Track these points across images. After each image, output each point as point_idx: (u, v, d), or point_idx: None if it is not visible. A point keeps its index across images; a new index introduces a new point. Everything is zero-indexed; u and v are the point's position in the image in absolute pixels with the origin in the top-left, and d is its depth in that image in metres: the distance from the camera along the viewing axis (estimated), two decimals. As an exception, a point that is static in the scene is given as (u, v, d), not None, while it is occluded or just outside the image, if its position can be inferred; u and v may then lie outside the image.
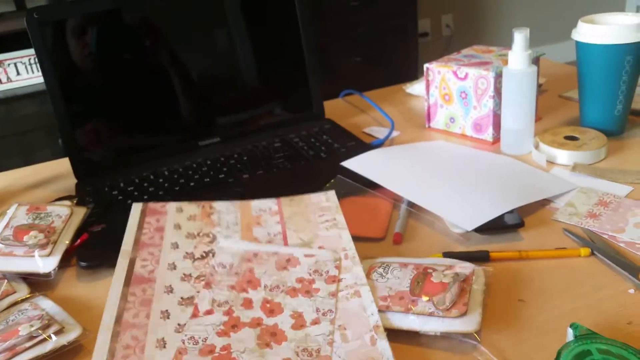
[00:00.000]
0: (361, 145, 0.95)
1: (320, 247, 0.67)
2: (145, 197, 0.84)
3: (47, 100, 2.26)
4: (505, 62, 0.89)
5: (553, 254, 0.64)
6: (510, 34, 0.85)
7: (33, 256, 0.69)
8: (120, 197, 0.85)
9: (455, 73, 0.94)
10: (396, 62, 2.90)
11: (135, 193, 0.86)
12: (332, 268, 0.63)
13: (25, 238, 0.72)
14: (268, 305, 0.59)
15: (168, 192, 0.86)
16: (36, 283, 0.68)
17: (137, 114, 0.96)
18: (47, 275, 0.68)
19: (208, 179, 0.88)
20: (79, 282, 0.70)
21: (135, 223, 0.73)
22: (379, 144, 0.96)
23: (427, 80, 0.99)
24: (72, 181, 0.95)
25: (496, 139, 0.93)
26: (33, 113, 2.29)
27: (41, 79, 2.34)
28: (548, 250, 0.65)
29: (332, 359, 0.51)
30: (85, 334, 0.58)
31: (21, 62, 2.33)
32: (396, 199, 0.78)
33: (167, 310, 0.59)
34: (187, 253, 0.68)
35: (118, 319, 0.58)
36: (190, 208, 0.76)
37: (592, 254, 0.64)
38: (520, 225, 0.69)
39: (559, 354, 0.48)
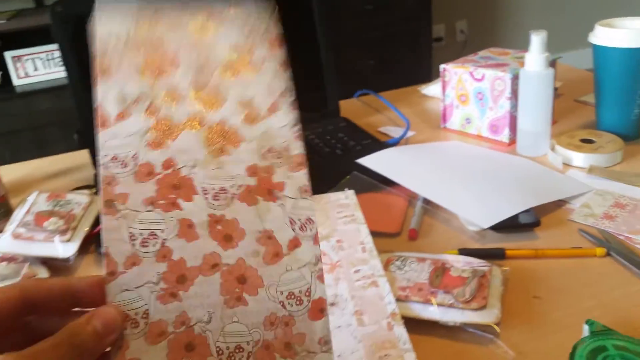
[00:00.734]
0: (376, 144, 0.96)
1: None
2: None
3: (63, 95, 2.29)
4: (522, 64, 0.90)
5: (569, 253, 0.65)
6: (524, 41, 0.86)
7: (53, 241, 0.70)
8: (138, 188, 0.86)
9: (472, 74, 0.94)
10: (409, 66, 2.91)
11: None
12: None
13: (45, 224, 0.73)
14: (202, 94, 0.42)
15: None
16: (56, 268, 0.70)
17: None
18: (67, 260, 0.69)
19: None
20: (97, 267, 0.71)
21: None
22: (394, 143, 0.97)
23: (444, 81, 1.00)
24: (90, 172, 0.96)
25: (512, 141, 0.93)
26: (49, 108, 2.31)
27: (58, 75, 2.37)
28: (564, 249, 0.65)
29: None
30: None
31: (39, 57, 2.36)
32: (411, 196, 0.79)
33: None
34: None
35: None
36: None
37: (608, 254, 0.64)
38: (536, 224, 0.70)
39: (574, 349, 0.48)
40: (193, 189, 0.40)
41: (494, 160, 0.87)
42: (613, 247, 0.65)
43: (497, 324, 0.53)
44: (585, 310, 0.56)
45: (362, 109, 1.17)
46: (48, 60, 2.37)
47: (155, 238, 0.38)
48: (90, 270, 0.70)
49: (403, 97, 1.21)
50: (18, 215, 0.76)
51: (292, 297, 0.40)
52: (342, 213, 0.73)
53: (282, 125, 0.42)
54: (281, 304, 0.40)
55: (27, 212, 0.75)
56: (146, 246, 0.38)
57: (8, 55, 2.31)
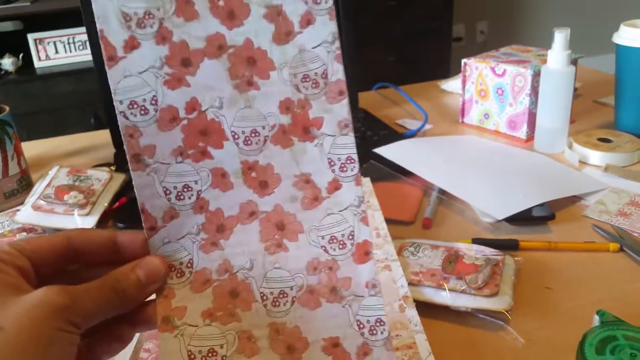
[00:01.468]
0: (394, 135, 0.96)
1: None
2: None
3: (82, 79, 2.31)
4: (543, 62, 0.90)
5: (582, 247, 0.65)
6: (543, 45, 0.87)
7: (72, 214, 0.72)
8: (157, 168, 0.88)
9: (493, 69, 0.95)
10: (428, 65, 2.91)
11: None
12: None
13: (65, 197, 0.74)
14: (220, 2, 0.37)
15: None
16: (74, 240, 0.71)
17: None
18: (86, 233, 0.70)
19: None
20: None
21: None
22: (411, 135, 0.97)
23: (464, 76, 1.00)
24: (109, 151, 0.97)
25: (530, 137, 0.94)
26: (68, 91, 2.34)
27: (79, 59, 2.39)
28: (577, 243, 0.65)
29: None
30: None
31: (60, 40, 2.38)
32: (426, 186, 0.79)
33: None
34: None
35: None
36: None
37: (621, 249, 0.64)
38: (550, 217, 0.70)
39: (584, 337, 0.48)
40: (222, 134, 0.38)
41: (511, 154, 0.87)
42: (627, 243, 0.65)
43: (508, 311, 0.53)
44: (596, 302, 0.57)
45: (380, 102, 1.18)
46: (69, 43, 2.39)
47: (189, 190, 0.37)
48: (107, 244, 0.71)
49: (422, 91, 1.21)
50: (39, 188, 0.77)
51: (335, 241, 0.38)
52: (357, 199, 0.74)
53: (319, 43, 0.37)
54: (323, 248, 0.38)
55: (48, 185, 0.77)
56: (182, 199, 0.37)
57: (30, 37, 2.34)
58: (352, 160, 0.38)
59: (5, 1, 2.24)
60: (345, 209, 0.38)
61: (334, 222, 0.38)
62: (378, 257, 0.61)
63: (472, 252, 0.61)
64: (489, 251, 0.61)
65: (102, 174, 0.80)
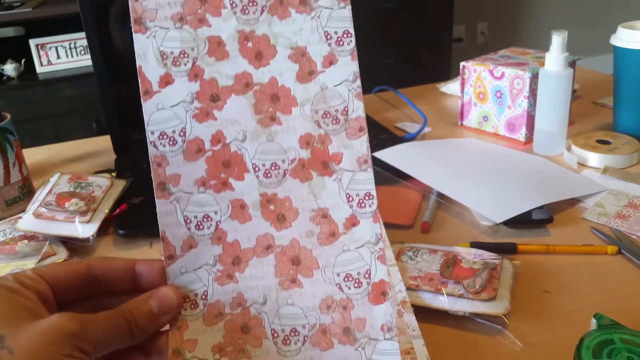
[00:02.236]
0: (393, 138, 0.96)
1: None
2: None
3: (84, 84, 2.32)
4: (542, 64, 0.90)
5: (580, 250, 0.65)
6: (544, 45, 0.87)
7: (73, 222, 0.72)
8: (157, 174, 0.88)
9: (491, 72, 0.95)
10: (428, 67, 2.91)
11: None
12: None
13: (66, 204, 0.74)
14: (248, 43, 0.39)
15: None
16: (75, 248, 0.71)
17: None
18: (86, 240, 0.71)
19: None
20: (115, 249, 0.72)
21: None
22: (410, 138, 0.98)
23: (463, 78, 1.00)
24: (110, 157, 0.98)
25: (528, 140, 0.94)
26: (70, 96, 2.34)
27: (80, 64, 2.40)
28: (575, 246, 0.66)
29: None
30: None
31: (62, 46, 2.39)
32: (425, 190, 0.79)
33: None
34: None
35: None
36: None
37: (619, 252, 0.65)
38: (548, 220, 0.70)
39: (581, 341, 0.49)
40: (244, 167, 0.39)
41: (509, 157, 0.88)
42: (625, 245, 0.65)
43: (506, 315, 0.54)
44: (594, 306, 0.57)
45: (379, 105, 1.18)
46: (71, 48, 2.40)
47: (209, 220, 0.38)
48: (108, 251, 0.72)
49: (421, 94, 1.21)
50: (40, 195, 0.77)
51: (350, 279, 0.38)
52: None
53: (340, 82, 0.38)
54: (338, 286, 0.38)
55: (49, 192, 0.77)
56: (201, 229, 0.38)
57: (32, 42, 2.35)
58: (371, 197, 0.38)
59: (6, 7, 2.25)
60: (362, 246, 0.38)
61: (350, 259, 0.38)
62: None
63: (470, 256, 0.61)
64: (487, 255, 0.61)
65: (103, 181, 0.80)
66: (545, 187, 0.77)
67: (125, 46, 0.94)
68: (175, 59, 0.38)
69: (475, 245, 0.66)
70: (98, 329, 0.34)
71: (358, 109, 0.39)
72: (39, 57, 2.37)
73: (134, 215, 0.76)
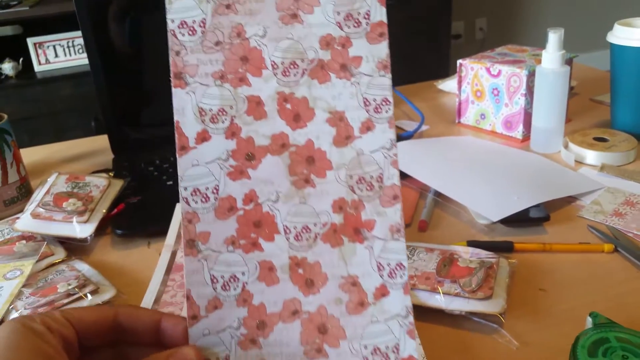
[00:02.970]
0: (391, 137, 0.96)
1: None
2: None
3: (82, 83, 2.31)
4: (538, 62, 0.90)
5: (577, 248, 0.65)
6: (543, 40, 0.86)
7: (71, 222, 0.72)
8: (155, 173, 0.88)
9: (488, 70, 0.95)
10: (427, 63, 2.90)
11: (170, 170, 0.89)
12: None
13: (64, 204, 0.75)
14: (287, 105, 0.39)
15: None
16: (73, 248, 0.71)
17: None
18: (84, 240, 0.71)
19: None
20: (113, 249, 0.72)
21: (178, 221, 0.75)
22: (408, 136, 0.98)
23: (460, 76, 1.00)
24: (108, 157, 0.98)
25: (526, 137, 0.94)
26: (68, 95, 2.34)
27: (78, 62, 2.39)
28: (572, 244, 0.66)
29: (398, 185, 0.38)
30: (119, 296, 0.61)
31: (59, 44, 2.39)
32: (422, 188, 0.79)
33: None
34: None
35: (157, 300, 0.60)
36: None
37: (616, 250, 0.65)
38: (545, 219, 0.70)
39: (577, 339, 0.49)
40: (275, 228, 0.38)
41: (506, 155, 0.88)
42: (621, 243, 0.65)
43: (502, 314, 0.54)
44: (590, 304, 0.57)
45: (377, 103, 1.18)
46: (69, 47, 2.40)
47: (236, 281, 0.38)
48: (106, 251, 0.72)
49: (419, 92, 1.21)
50: (38, 195, 0.78)
51: (378, 352, 0.37)
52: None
53: (376, 149, 0.38)
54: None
55: (47, 192, 0.77)
56: (227, 290, 0.37)
57: (30, 41, 2.34)
58: (402, 267, 0.37)
59: (4, 6, 2.25)
60: (391, 318, 0.37)
61: (378, 331, 0.37)
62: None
63: (467, 254, 0.61)
64: (483, 254, 0.61)
65: (101, 181, 0.80)
66: (542, 185, 0.77)
67: (121, 44, 0.94)
68: (214, 116, 0.38)
69: (472, 243, 0.66)
70: None
71: (393, 177, 0.38)
72: (37, 55, 2.37)
73: (132, 215, 0.76)
